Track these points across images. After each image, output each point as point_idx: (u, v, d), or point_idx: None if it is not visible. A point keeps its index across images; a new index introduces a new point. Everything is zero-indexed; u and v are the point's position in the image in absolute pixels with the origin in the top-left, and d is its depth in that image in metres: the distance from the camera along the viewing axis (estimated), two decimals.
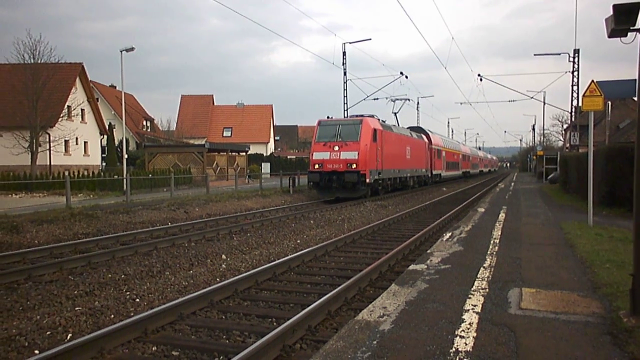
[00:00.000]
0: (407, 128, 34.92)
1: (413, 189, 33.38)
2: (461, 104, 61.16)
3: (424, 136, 37.37)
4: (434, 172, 39.94)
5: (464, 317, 4.89)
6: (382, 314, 5.04)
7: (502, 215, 14.40)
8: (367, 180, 22.95)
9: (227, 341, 5.41)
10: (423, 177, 36.07)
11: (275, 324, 5.94)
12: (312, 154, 23.93)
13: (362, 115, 25.33)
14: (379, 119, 26.19)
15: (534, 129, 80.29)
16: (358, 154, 22.81)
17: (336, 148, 23.13)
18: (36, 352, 5.11)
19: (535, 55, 32.70)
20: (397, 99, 34.13)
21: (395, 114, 34.48)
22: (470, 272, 6.93)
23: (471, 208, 18.71)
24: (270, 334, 4.96)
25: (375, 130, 24.17)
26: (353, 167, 22.65)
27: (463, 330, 4.49)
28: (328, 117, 24.86)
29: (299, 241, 12.11)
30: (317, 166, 23.26)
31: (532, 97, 40.03)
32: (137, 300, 7.02)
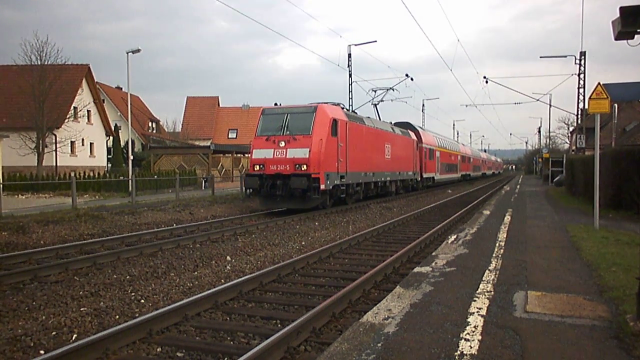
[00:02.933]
0: (391, 123, 29.70)
1: (398, 194, 28.86)
2: (467, 106, 61.31)
3: (411, 133, 32.31)
4: (425, 175, 35.24)
5: (469, 320, 4.87)
6: (386, 316, 5.03)
7: (507, 218, 14.35)
8: (322, 187, 17.38)
9: (232, 342, 5.41)
10: (410, 181, 31.20)
11: (279, 325, 5.94)
12: (252, 152, 18.62)
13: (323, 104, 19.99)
14: (344, 108, 21.10)
15: (539, 132, 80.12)
16: (309, 151, 17.28)
17: (282, 144, 17.75)
18: (42, 352, 5.13)
19: (541, 57, 32.48)
20: (379, 89, 29.63)
21: (375, 105, 29.34)
22: (476, 274, 6.90)
23: (476, 210, 18.66)
24: (275, 336, 4.96)
25: (335, 121, 18.65)
26: (302, 168, 17.21)
27: (468, 333, 4.47)
28: (276, 105, 19.43)
29: (303, 243, 12.10)
30: (257, 167, 17.94)
31: (538, 100, 39.88)
32: (142, 301, 7.04)
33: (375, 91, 29.73)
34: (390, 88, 30.01)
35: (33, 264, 9.56)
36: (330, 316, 6.08)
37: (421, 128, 37.92)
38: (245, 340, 5.45)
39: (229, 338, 5.54)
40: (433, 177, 38.14)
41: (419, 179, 33.56)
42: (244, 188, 20.34)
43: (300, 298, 7.23)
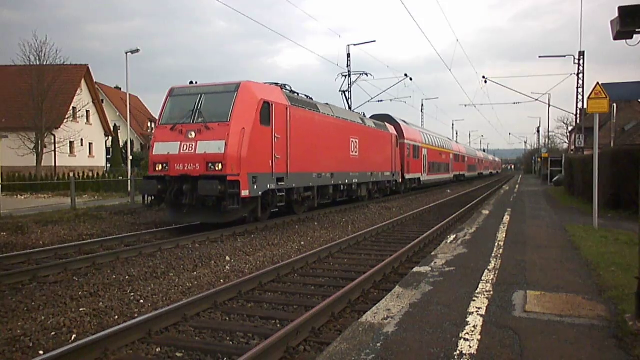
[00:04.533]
0: (361, 114, 25.12)
1: (373, 199, 24.86)
2: (466, 106, 61.28)
3: (390, 127, 27.64)
4: (408, 176, 31.12)
5: (468, 319, 4.88)
6: (386, 316, 5.03)
7: (506, 218, 14.36)
8: (245, 193, 13.02)
9: (231, 343, 5.41)
10: (387, 183, 26.73)
11: (279, 325, 5.93)
12: (152, 147, 14.02)
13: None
14: (284, 88, 16.25)
15: (538, 131, 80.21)
16: (225, 144, 12.78)
17: (191, 135, 13.24)
18: (41, 352, 5.12)
19: (540, 57, 32.42)
20: (354, 73, 26.11)
21: (343, 92, 25.90)
22: (475, 274, 6.91)
23: (475, 210, 18.67)
24: (274, 336, 4.95)
25: (267, 104, 14.14)
26: (217, 168, 12.81)
27: (467, 333, 4.48)
28: (192, 83, 14.88)
29: (302, 243, 12.10)
30: (159, 167, 13.51)
31: (537, 100, 39.86)
32: (142, 301, 7.03)
33: (345, 77, 26.02)
34: (364, 73, 26.44)
35: (32, 264, 9.55)
36: (330, 316, 6.08)
37: (404, 122, 33.03)
38: (245, 341, 5.45)
39: (228, 338, 5.54)
40: (419, 178, 34.21)
41: (400, 180, 29.05)
42: (143, 195, 14.18)
43: (300, 298, 7.23)
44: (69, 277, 8.41)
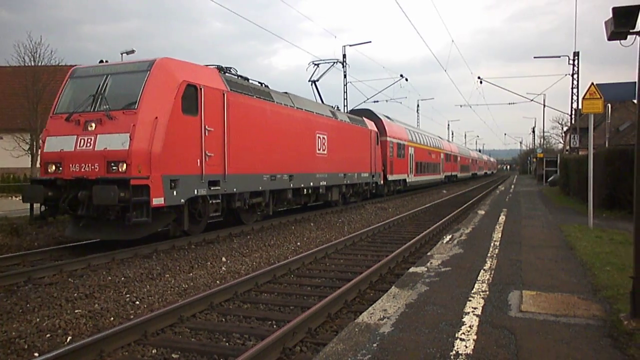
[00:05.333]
0: (334, 107, 21.77)
1: (349, 204, 22.21)
2: (461, 106, 61.39)
3: (370, 123, 24.71)
4: (391, 177, 28.19)
5: (464, 319, 4.89)
6: (382, 316, 5.04)
7: (502, 218, 14.40)
8: (157, 202, 10.23)
9: (227, 344, 5.40)
10: (365, 185, 23.66)
11: (275, 326, 5.93)
12: (43, 142, 11.30)
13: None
14: (227, 71, 13.56)
15: (534, 132, 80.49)
16: (130, 138, 10.12)
17: (91, 127, 10.53)
18: (36, 354, 5.11)
19: (535, 57, 32.53)
20: (322, 61, 22.35)
21: (313, 82, 22.03)
22: (471, 274, 6.92)
23: (471, 210, 18.72)
24: (271, 337, 4.95)
25: (193, 88, 11.25)
26: (120, 169, 10.12)
27: (463, 333, 4.49)
28: (103, 61, 11.96)
29: (299, 244, 12.10)
30: (51, 168, 10.84)
31: (532, 100, 39.97)
32: (137, 302, 7.01)
33: (318, 65, 22.24)
34: (337, 61, 22.88)
35: (27, 265, 9.50)
36: (326, 317, 6.08)
37: (387, 117, 29.82)
38: (241, 342, 5.44)
39: (224, 339, 5.53)
40: (404, 180, 31.26)
41: (381, 181, 25.97)
42: (30, 205, 11.53)
43: (296, 299, 7.23)
44: (64, 278, 8.38)
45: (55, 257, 10.27)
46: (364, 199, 24.49)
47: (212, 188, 11.81)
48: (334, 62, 22.69)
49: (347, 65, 35.44)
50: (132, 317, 6.33)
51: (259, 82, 15.31)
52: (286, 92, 16.68)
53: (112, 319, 6.28)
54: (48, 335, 5.65)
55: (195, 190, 11.24)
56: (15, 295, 7.37)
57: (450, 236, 10.69)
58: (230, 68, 13.78)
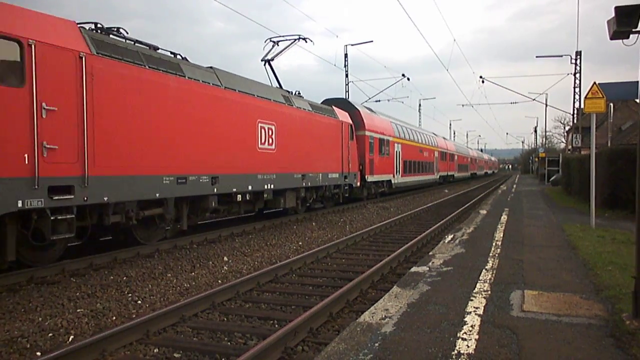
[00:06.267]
0: (287, 91, 16.98)
1: (313, 210, 18.76)
2: (463, 106, 61.22)
3: (342, 114, 20.68)
4: (371, 178, 23.98)
5: (466, 319, 4.88)
6: (384, 316, 5.03)
7: (504, 217, 14.38)
8: None
9: (229, 343, 5.41)
10: (334, 188, 19.63)
11: (277, 325, 5.94)
12: None
13: None
14: (105, 30, 9.85)
15: (536, 131, 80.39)
16: None
17: None
18: (38, 354, 5.12)
19: (537, 57, 32.47)
20: (280, 38, 17.39)
21: (267, 62, 17.30)
22: (472, 274, 6.92)
23: (473, 210, 18.71)
24: (272, 336, 4.96)
25: (5, 41, 7.33)
26: None
27: (465, 333, 4.48)
28: None
29: (300, 243, 12.10)
30: None
31: (534, 99, 39.89)
32: (139, 302, 7.02)
33: (277, 43, 17.52)
34: (299, 38, 17.32)
35: (29, 265, 9.51)
36: (328, 316, 6.08)
37: (368, 109, 26.28)
38: (243, 341, 5.45)
39: (226, 339, 5.54)
40: (389, 181, 27.14)
41: (357, 183, 22.03)
42: None
43: (298, 298, 7.23)
44: (66, 278, 8.39)
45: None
46: (336, 204, 21.02)
47: (55, 197, 7.94)
48: (296, 39, 17.67)
49: (348, 65, 35.44)
50: (134, 316, 6.35)
51: (174, 53, 11.36)
52: (211, 67, 12.49)
53: (114, 318, 6.29)
54: (50, 335, 5.66)
55: (21, 201, 7.43)
56: (18, 294, 7.38)
57: (452, 236, 10.68)
58: (119, 28, 10.23)
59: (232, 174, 12.57)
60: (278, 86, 17.17)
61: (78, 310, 6.54)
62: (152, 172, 10.01)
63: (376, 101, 40.39)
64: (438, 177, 41.56)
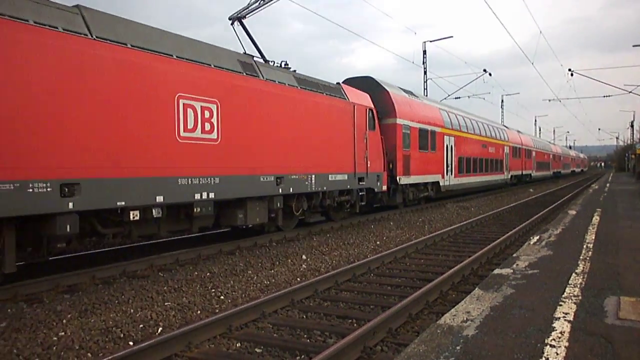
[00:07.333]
0: (255, 57, 11.96)
1: (306, 227, 13.76)
2: (550, 100, 57.83)
3: (355, 94, 15.45)
4: (405, 180, 18.47)
5: (554, 325, 4.63)
6: (465, 318, 4.88)
7: (595, 218, 13.52)
8: None
9: (308, 340, 5.47)
10: (339, 194, 14.46)
11: (355, 325, 5.93)
12: None
13: None
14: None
15: (632, 126, 74.92)
16: None
17: None
18: (130, 343, 5.43)
19: (634, 46, 30.12)
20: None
21: (237, 20, 12.84)
22: (561, 278, 6.55)
23: (561, 210, 17.75)
24: (351, 335, 4.95)
25: None
26: None
27: (554, 339, 4.25)
28: None
29: (378, 243, 12.03)
30: None
31: (630, 92, 37.18)
32: (222, 297, 7.27)
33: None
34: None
35: (121, 259, 10.13)
36: (407, 317, 6.00)
37: (407, 92, 20.95)
38: (322, 339, 5.49)
39: (305, 336, 5.61)
40: (436, 183, 21.85)
41: (382, 187, 16.48)
42: None
43: (376, 298, 7.19)
44: (154, 272, 8.85)
45: (146, 251, 10.88)
46: (351, 214, 16.13)
47: None
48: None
49: (426, 62, 34.80)
50: (217, 311, 6.58)
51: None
52: (77, 6, 8.00)
53: (198, 312, 6.55)
54: (141, 326, 5.99)
55: None
56: (112, 286, 7.87)
57: (537, 237, 10.18)
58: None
59: (113, 177, 7.85)
60: (261, 57, 12.44)
61: (166, 304, 6.87)
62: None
63: (456, 98, 39.39)
64: (509, 176, 35.21)
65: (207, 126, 9.65)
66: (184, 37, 9.83)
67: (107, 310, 6.65)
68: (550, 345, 4.11)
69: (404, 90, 20.68)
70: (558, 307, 5.21)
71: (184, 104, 9.16)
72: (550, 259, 7.89)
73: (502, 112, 60.03)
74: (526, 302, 5.43)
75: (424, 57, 35.41)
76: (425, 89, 35.39)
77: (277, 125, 11.60)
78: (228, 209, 10.74)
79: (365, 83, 18.13)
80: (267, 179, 11.25)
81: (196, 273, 8.77)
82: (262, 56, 12.55)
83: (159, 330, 5.86)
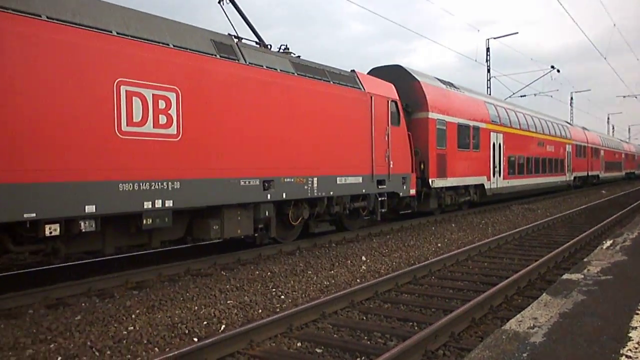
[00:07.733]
0: (235, 37, 9.85)
1: (308, 239, 11.73)
2: (624, 97, 54.72)
3: (375, 83, 13.28)
4: (439, 184, 16.06)
5: (630, 334, 4.37)
6: (532, 325, 4.69)
7: None
8: None
9: (369, 342, 5.43)
10: (354, 200, 12.33)
11: (416, 328, 5.84)
12: None
13: None
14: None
15: None
16: None
17: None
18: (195, 339, 5.59)
19: None
20: None
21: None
22: (638, 285, 6.18)
23: (638, 213, 16.77)
24: (413, 338, 4.88)
25: None
26: None
27: (630, 350, 4.01)
28: None
29: (439, 245, 11.80)
30: None
31: None
32: (282, 297, 7.36)
33: None
34: None
35: (185, 258, 10.46)
36: (470, 321, 5.85)
37: (444, 82, 18.19)
38: (382, 341, 5.44)
39: (365, 337, 5.58)
40: (480, 185, 19.17)
41: (411, 191, 14.30)
42: None
43: (437, 301, 7.06)
44: (217, 271, 9.07)
45: (209, 251, 11.18)
46: (371, 223, 14.19)
47: None
48: None
49: (490, 60, 33.85)
50: (277, 310, 6.66)
51: None
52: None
53: (260, 311, 6.66)
54: (205, 323, 6.15)
55: None
56: (177, 284, 8.14)
57: (611, 241, 9.65)
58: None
59: (13, 183, 6.16)
60: (257, 39, 10.81)
61: (228, 302, 7.03)
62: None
63: (521, 96, 38.06)
64: (572, 178, 31.52)
65: (163, 119, 7.83)
66: (133, 10, 7.92)
67: (172, 306, 6.88)
68: (627, 357, 3.88)
69: (441, 81, 18.05)
70: (635, 315, 4.92)
71: (127, 91, 7.39)
72: (625, 264, 7.46)
73: (572, 109, 57.44)
74: (599, 309, 5.15)
75: (487, 55, 34.46)
76: (489, 87, 34.42)
77: (264, 119, 9.63)
78: (199, 218, 8.95)
79: (393, 73, 15.95)
80: (249, 182, 9.32)
81: (257, 272, 8.92)
82: (259, 39, 10.82)
83: (222, 328, 6.00)
